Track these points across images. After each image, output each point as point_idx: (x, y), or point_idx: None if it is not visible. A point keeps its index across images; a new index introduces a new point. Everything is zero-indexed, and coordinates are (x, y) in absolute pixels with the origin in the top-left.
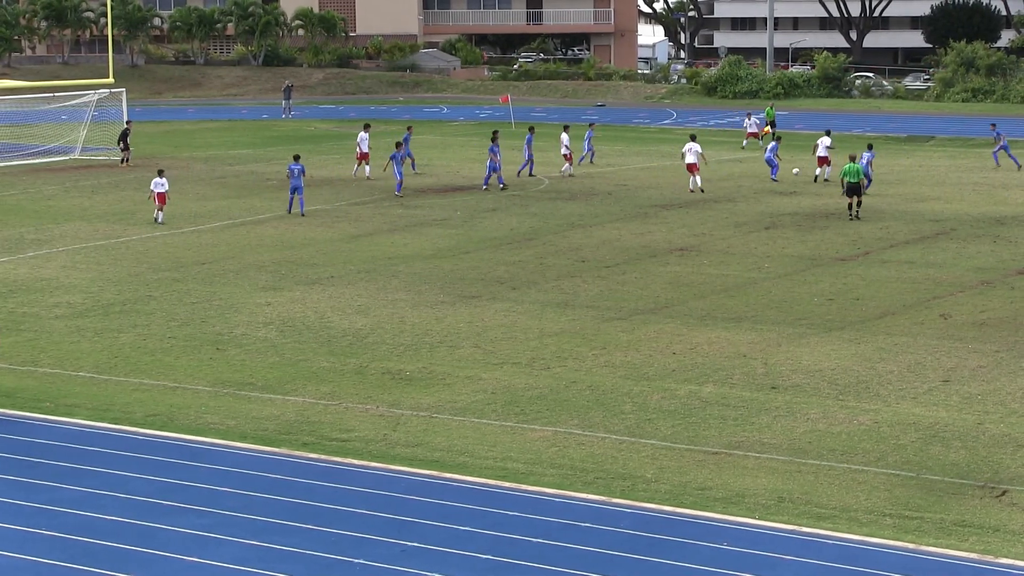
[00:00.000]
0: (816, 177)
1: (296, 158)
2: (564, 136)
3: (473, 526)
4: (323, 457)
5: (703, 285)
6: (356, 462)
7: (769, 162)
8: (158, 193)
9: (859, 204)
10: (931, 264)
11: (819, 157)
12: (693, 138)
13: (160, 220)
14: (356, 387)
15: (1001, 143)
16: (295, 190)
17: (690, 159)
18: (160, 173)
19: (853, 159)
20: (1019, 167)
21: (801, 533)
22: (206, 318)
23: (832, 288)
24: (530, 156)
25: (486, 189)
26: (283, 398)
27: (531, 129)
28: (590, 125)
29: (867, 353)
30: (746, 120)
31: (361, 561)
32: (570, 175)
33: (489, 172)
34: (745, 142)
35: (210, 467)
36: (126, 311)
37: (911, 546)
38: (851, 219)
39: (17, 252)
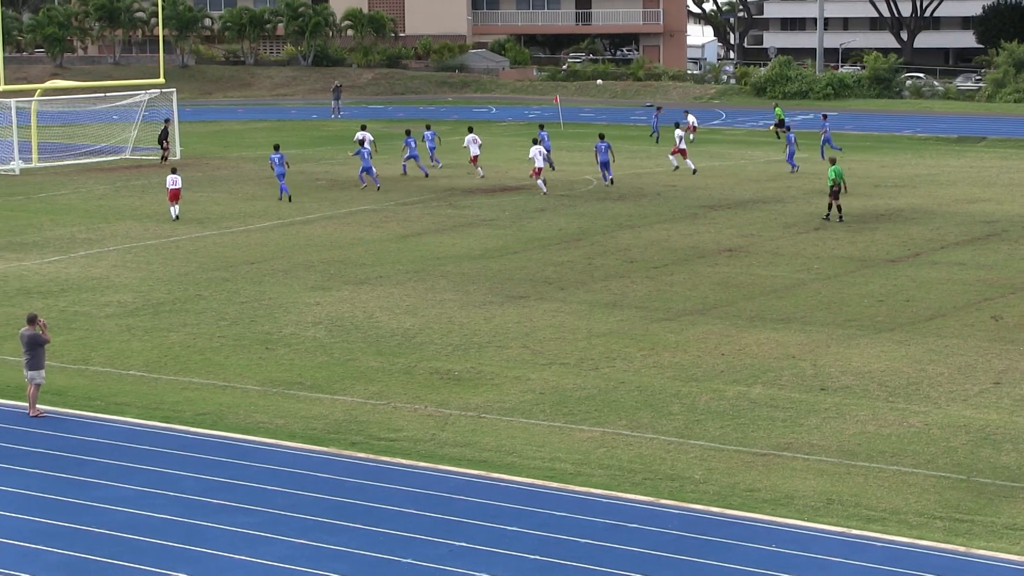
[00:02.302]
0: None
1: (276, 148)
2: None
3: (521, 526)
4: (371, 456)
5: (752, 286)
6: (404, 462)
7: (791, 159)
8: (171, 190)
9: (839, 208)
10: (982, 266)
11: (679, 149)
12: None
13: (175, 215)
14: (404, 387)
15: (825, 135)
16: (281, 176)
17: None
18: (174, 171)
19: (834, 162)
20: (823, 158)
21: (850, 535)
22: (255, 317)
23: (882, 289)
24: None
25: (609, 182)
26: (331, 397)
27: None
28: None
29: (917, 355)
30: (688, 118)
31: (409, 560)
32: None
33: (602, 169)
34: (691, 135)
35: (259, 466)
36: (176, 310)
37: (961, 549)
38: (825, 219)
39: (69, 251)
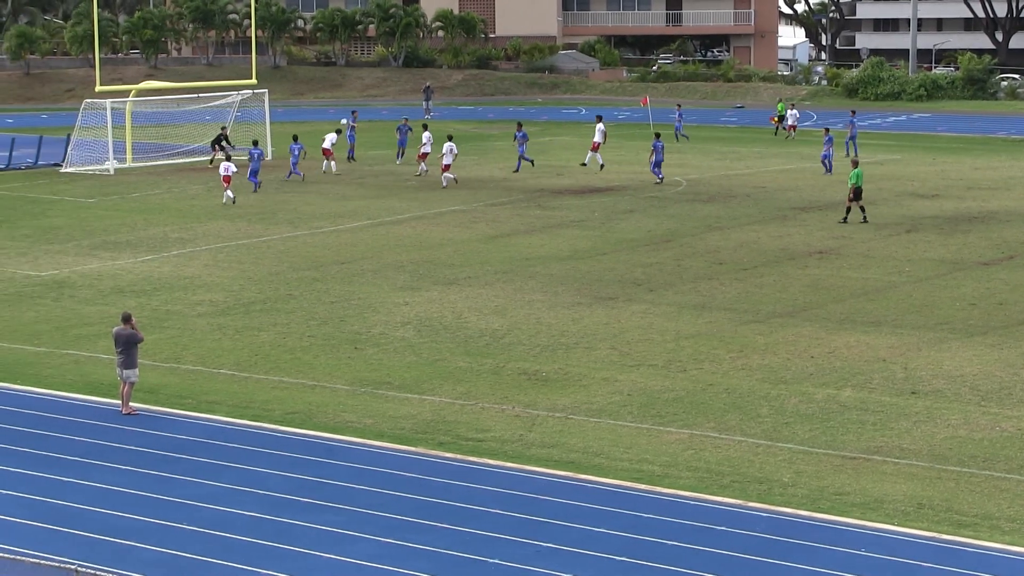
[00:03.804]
0: (588, 163)
1: (255, 143)
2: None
3: (607, 528)
4: (459, 456)
5: (842, 288)
6: (491, 462)
7: (825, 159)
8: (224, 176)
9: (862, 208)
10: None
11: (594, 142)
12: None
13: (228, 198)
14: (492, 387)
15: (851, 132)
16: (254, 172)
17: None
18: (228, 158)
19: (856, 164)
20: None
21: (940, 540)
22: (345, 317)
23: (974, 292)
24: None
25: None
26: (420, 397)
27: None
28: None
29: (1010, 359)
30: (789, 110)
31: (495, 561)
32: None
33: (654, 168)
34: (791, 134)
35: (347, 465)
36: (267, 310)
37: None
38: (843, 222)
39: (162, 250)
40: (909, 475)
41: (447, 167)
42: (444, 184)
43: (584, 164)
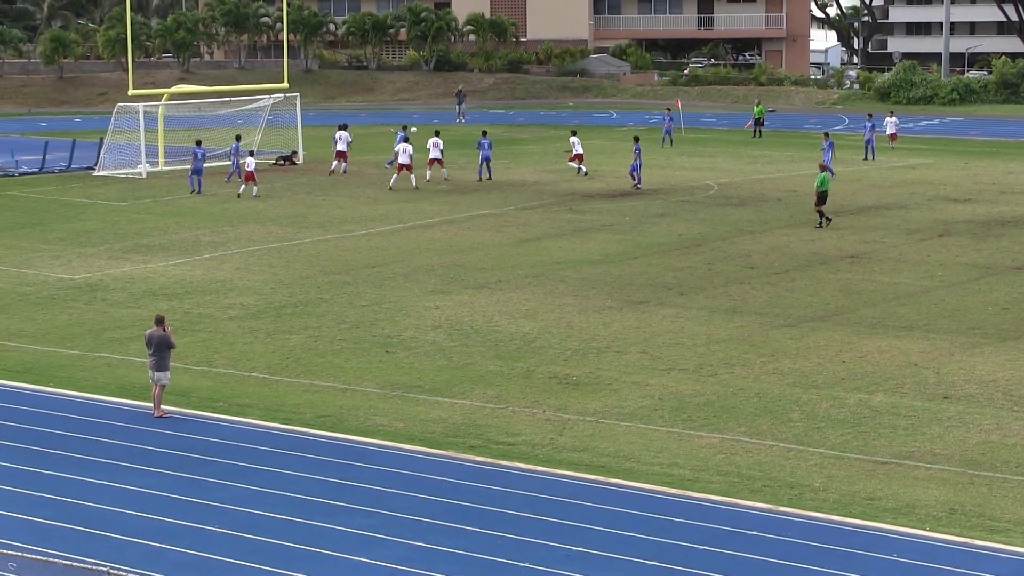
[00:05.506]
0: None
1: (198, 143)
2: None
3: (638, 532)
4: (489, 460)
5: (874, 293)
6: (522, 466)
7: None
8: (248, 171)
9: (820, 214)
10: None
11: (576, 154)
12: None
13: (255, 193)
14: (523, 391)
15: (867, 136)
16: (197, 172)
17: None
18: (251, 154)
19: (823, 168)
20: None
21: (973, 546)
22: (375, 321)
23: (1007, 297)
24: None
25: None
26: (450, 401)
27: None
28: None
29: None
30: (888, 117)
31: (526, 564)
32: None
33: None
34: (892, 144)
35: (378, 468)
36: (298, 313)
37: None
38: (819, 227)
39: (193, 254)
40: (941, 480)
41: (404, 167)
42: (414, 184)
43: (585, 174)
